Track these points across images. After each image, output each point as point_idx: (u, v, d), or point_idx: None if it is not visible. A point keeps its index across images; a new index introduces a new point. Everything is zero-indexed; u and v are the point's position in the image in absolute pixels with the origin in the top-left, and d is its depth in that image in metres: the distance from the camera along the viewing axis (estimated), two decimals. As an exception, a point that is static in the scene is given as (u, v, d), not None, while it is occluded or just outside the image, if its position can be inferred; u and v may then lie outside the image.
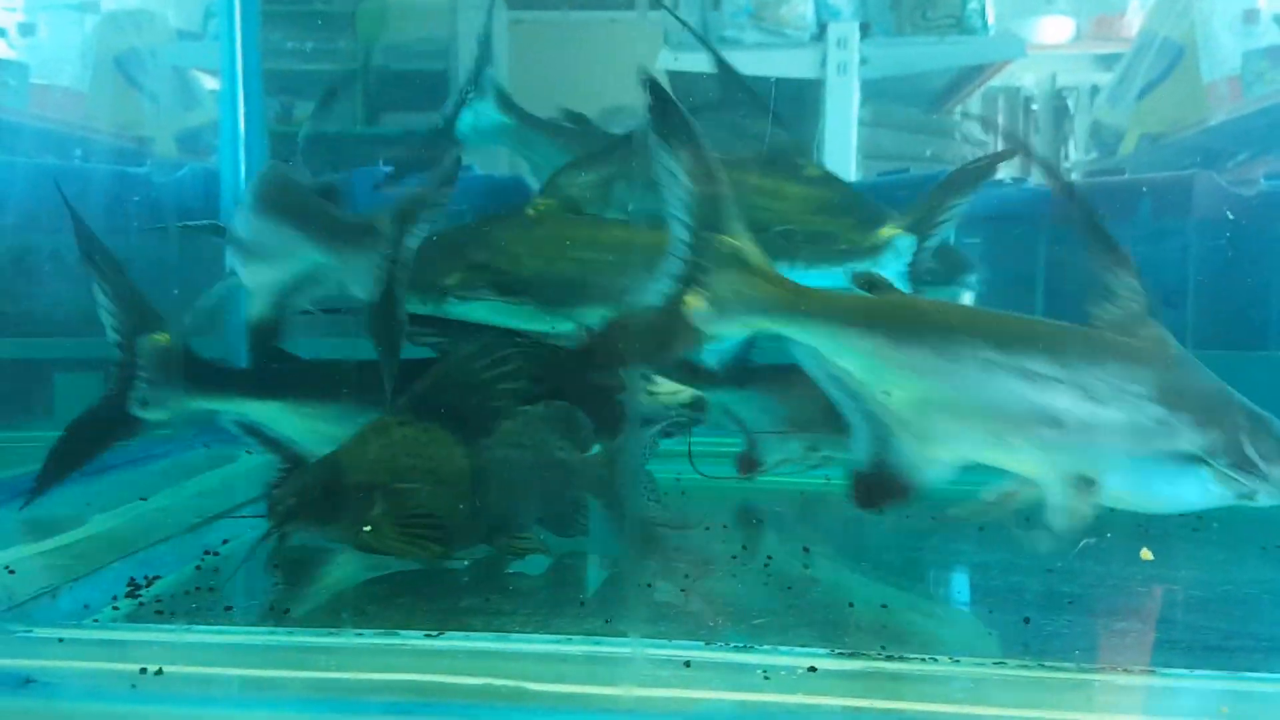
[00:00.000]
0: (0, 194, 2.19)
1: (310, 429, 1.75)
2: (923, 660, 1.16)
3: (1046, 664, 1.16)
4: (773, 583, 1.54)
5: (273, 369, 1.80)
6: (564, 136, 2.32)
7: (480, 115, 2.24)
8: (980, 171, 1.83)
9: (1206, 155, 4.16)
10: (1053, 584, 1.55)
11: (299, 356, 1.84)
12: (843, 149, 3.86)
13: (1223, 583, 1.61)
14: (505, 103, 2.37)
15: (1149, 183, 2.56)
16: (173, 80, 3.72)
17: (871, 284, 1.45)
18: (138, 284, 1.79)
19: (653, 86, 1.41)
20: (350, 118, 6.12)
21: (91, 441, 1.75)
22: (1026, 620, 1.38)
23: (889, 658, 1.17)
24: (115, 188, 2.44)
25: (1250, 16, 4.44)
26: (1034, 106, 5.90)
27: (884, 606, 1.43)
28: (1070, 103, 5.81)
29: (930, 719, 1.06)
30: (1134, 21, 5.17)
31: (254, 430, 1.79)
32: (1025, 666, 1.16)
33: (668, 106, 1.40)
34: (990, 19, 4.13)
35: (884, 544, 1.78)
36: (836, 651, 1.18)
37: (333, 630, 1.27)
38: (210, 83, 3.06)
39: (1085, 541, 1.42)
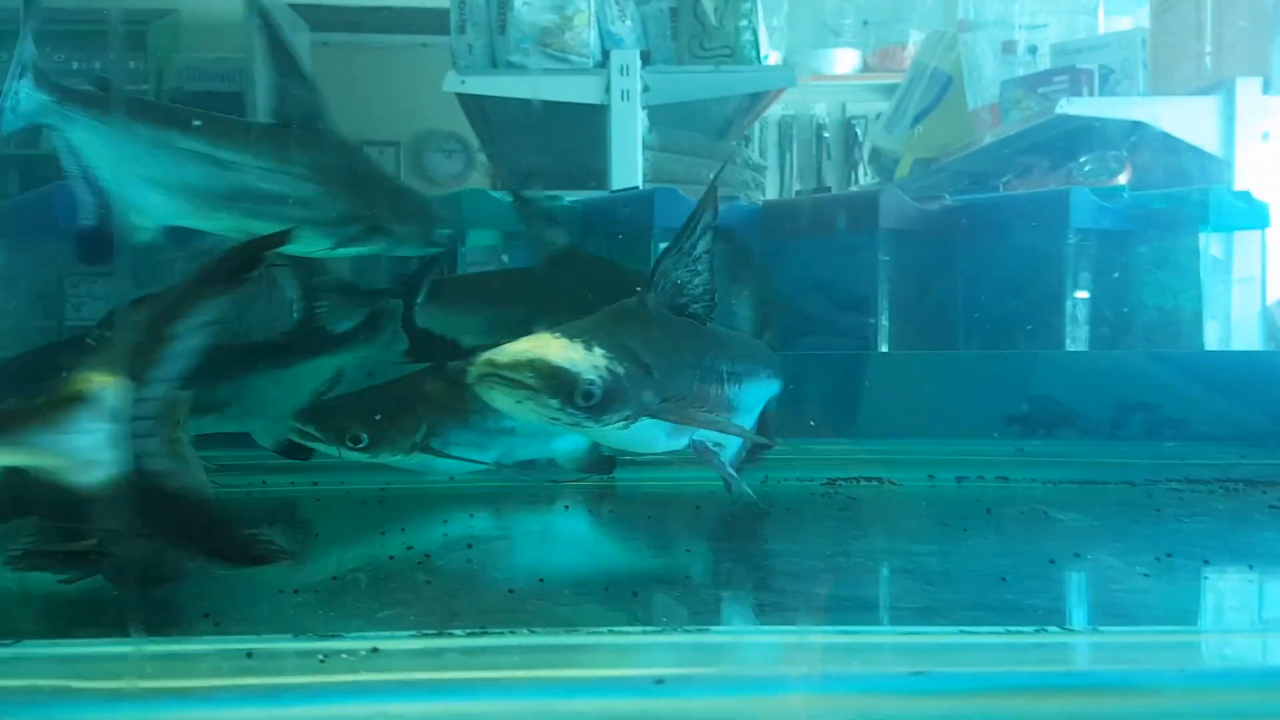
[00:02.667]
0: None
1: None
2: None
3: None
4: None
5: None
6: None
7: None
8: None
9: (973, 177, 4.39)
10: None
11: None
12: (629, 173, 3.92)
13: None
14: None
15: (843, 198, 2.69)
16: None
17: None
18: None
19: None
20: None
21: None
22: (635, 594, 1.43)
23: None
24: None
25: (1008, 47, 4.72)
26: (825, 134, 6.12)
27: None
28: (859, 130, 6.05)
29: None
30: (912, 53, 5.42)
31: None
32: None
33: None
34: (764, 49, 4.26)
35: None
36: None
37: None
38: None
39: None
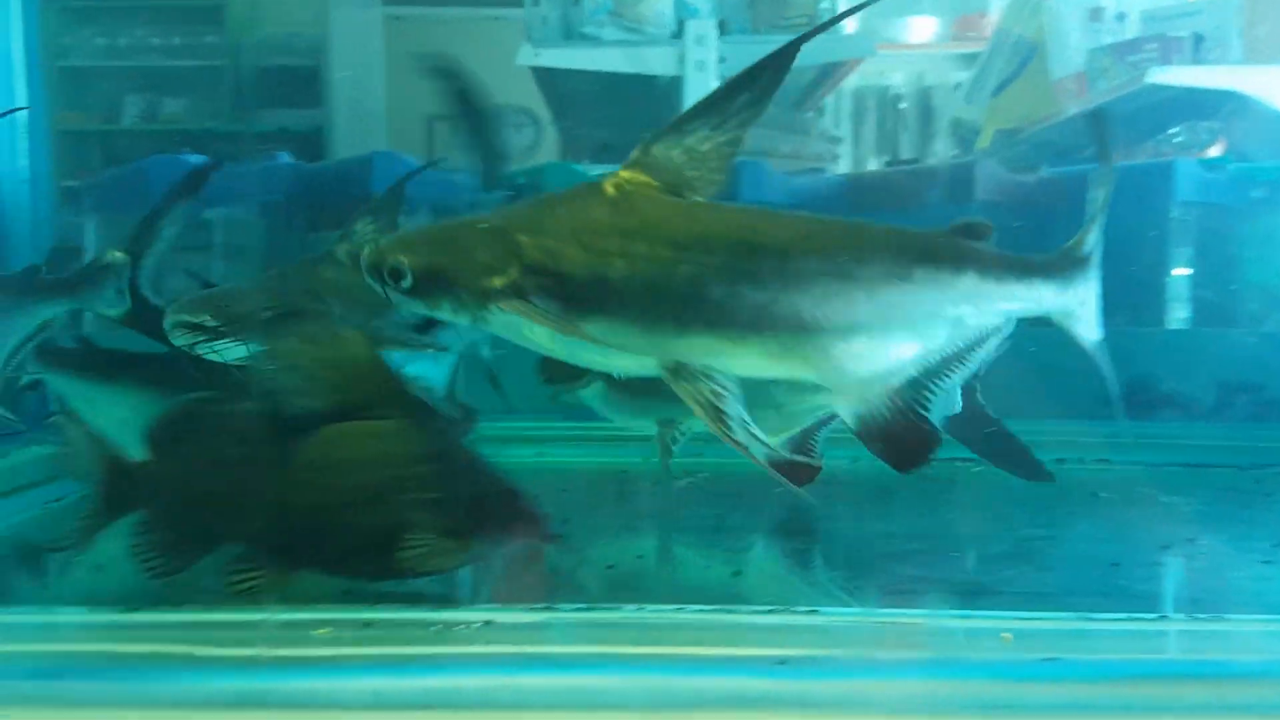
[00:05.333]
0: None
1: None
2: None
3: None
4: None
5: None
6: None
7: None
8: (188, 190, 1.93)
9: (1056, 149, 4.28)
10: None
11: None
12: (704, 145, 3.88)
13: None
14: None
15: (937, 169, 2.64)
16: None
17: None
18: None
19: None
20: (220, 114, 6.00)
21: None
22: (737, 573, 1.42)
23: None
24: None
25: (1095, 14, 4.58)
26: (902, 105, 6.02)
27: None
28: (936, 100, 5.94)
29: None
30: (994, 21, 5.31)
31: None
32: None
33: None
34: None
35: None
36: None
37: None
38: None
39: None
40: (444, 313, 1.33)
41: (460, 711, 1.02)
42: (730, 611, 1.23)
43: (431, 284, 1.29)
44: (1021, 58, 4.81)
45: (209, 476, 1.31)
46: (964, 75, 5.32)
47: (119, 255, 1.87)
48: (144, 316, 1.84)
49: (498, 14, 5.85)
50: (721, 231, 1.27)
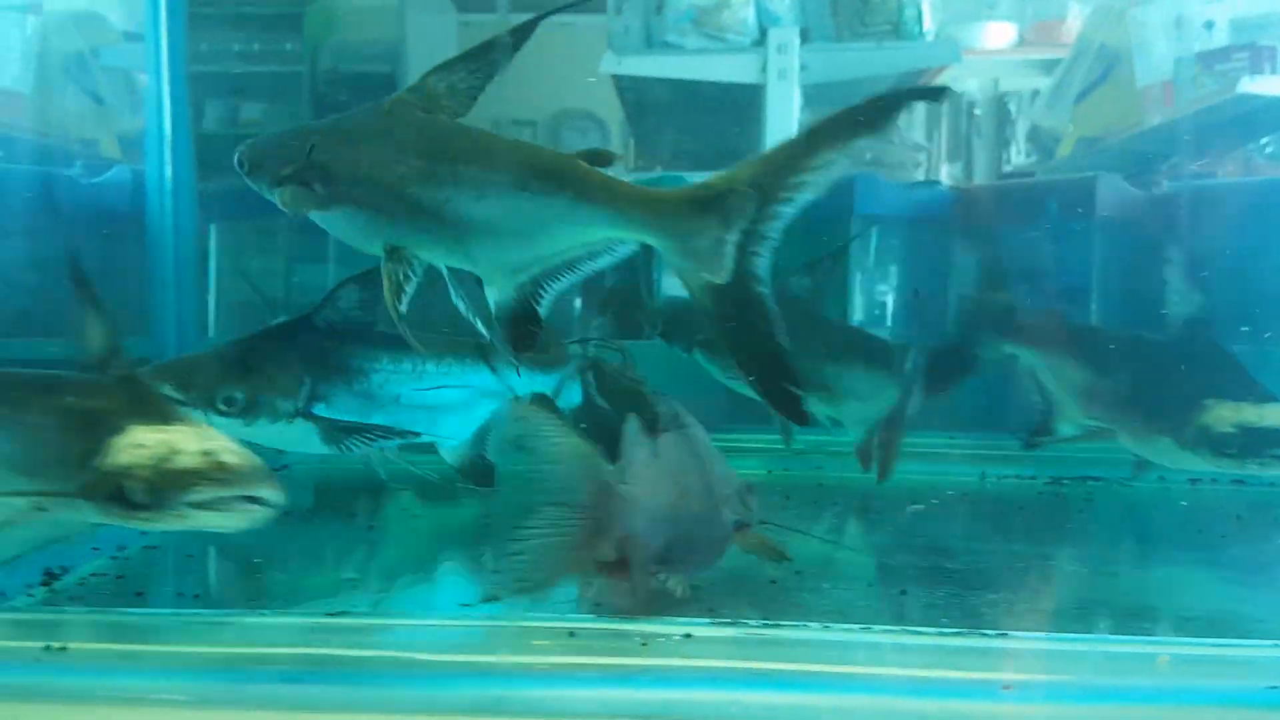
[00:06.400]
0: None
1: None
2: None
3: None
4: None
5: None
6: None
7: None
8: None
9: (1141, 158, 4.24)
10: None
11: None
12: (785, 152, 3.89)
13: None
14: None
15: (1056, 184, 2.63)
16: (117, 82, 3.74)
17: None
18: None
19: None
20: (298, 119, 6.05)
21: None
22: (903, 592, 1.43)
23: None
24: (38, 188, 2.45)
25: (1182, 22, 4.54)
26: (977, 111, 5.98)
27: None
28: (1012, 107, 5.90)
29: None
30: (1073, 27, 5.25)
31: None
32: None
33: None
34: (927, 25, 4.18)
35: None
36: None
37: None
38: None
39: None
40: (265, 193, 1.63)
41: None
42: (916, 633, 1.24)
43: (256, 169, 1.64)
44: (1105, 65, 4.76)
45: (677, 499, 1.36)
46: (1042, 82, 5.27)
47: None
48: None
49: (570, 20, 5.88)
50: (430, 142, 1.54)
